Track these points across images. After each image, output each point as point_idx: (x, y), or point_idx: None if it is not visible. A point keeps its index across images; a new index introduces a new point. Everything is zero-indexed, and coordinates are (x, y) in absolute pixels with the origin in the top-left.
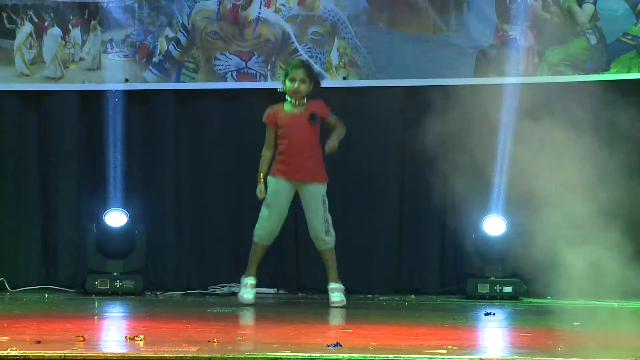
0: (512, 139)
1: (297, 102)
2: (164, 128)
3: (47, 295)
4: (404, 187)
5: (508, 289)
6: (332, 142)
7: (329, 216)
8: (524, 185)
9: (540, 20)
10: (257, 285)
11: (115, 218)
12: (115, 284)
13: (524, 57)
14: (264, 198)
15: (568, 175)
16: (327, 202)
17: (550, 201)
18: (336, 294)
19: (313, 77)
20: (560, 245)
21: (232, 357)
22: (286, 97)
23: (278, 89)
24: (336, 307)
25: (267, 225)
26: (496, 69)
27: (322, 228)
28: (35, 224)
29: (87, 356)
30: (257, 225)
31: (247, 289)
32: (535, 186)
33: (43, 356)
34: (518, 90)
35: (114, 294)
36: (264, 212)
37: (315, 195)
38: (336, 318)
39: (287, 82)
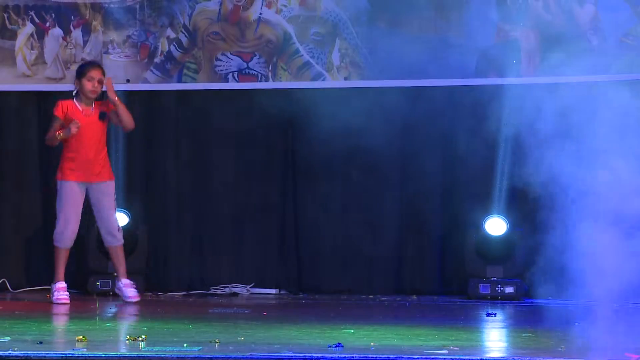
0: (514, 140)
1: (90, 101)
2: (166, 128)
3: (48, 295)
4: (405, 187)
5: (509, 290)
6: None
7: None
8: (526, 185)
9: (541, 21)
10: (259, 285)
11: (117, 219)
12: None
13: (525, 58)
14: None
15: (569, 176)
16: (116, 199)
17: (551, 202)
18: (131, 289)
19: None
20: (561, 245)
21: (234, 358)
22: (76, 95)
23: (73, 92)
24: (132, 301)
25: (66, 229)
26: (497, 69)
27: (115, 224)
28: (36, 224)
29: (89, 357)
30: (56, 230)
31: (60, 292)
32: (537, 187)
33: (44, 357)
34: (519, 90)
35: (115, 295)
36: (60, 217)
37: (108, 193)
38: (338, 318)
39: (85, 82)
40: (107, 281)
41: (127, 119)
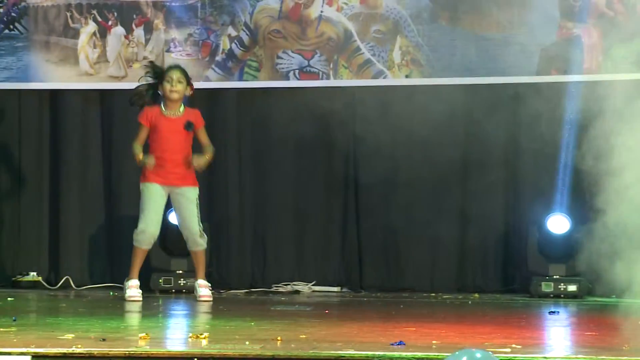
0: (576, 137)
1: (175, 104)
2: (227, 127)
3: (111, 293)
4: (467, 185)
5: (572, 288)
6: (203, 161)
7: (200, 219)
8: (589, 183)
9: (604, 17)
10: (321, 283)
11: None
12: (179, 282)
13: (588, 55)
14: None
15: (633, 174)
16: (199, 205)
17: (615, 199)
18: (204, 289)
19: (189, 80)
20: (625, 243)
21: (296, 356)
22: (162, 101)
23: (158, 87)
24: (203, 300)
25: (144, 230)
26: (559, 67)
27: (196, 230)
28: (99, 222)
29: (152, 354)
30: (135, 230)
31: (132, 289)
32: (600, 184)
33: (108, 354)
34: (581, 88)
35: (177, 292)
36: (141, 218)
37: (189, 199)
38: (400, 316)
39: (165, 84)
40: (169, 279)
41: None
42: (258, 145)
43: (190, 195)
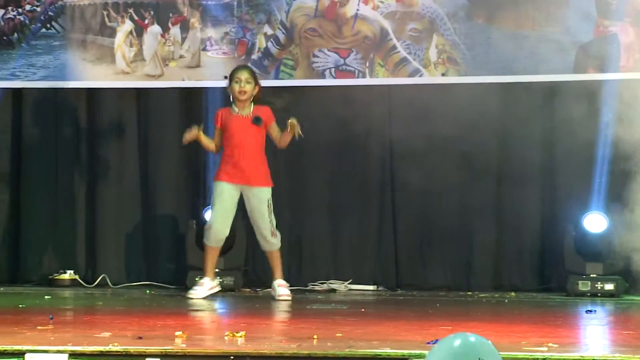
0: (613, 135)
1: (244, 104)
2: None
3: (148, 291)
4: (503, 183)
5: (609, 287)
6: (291, 126)
7: (274, 218)
8: (626, 181)
9: None
10: (357, 281)
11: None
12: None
13: (624, 53)
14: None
15: None
16: (272, 205)
17: None
18: (283, 288)
19: (257, 79)
20: None
21: (332, 354)
22: (232, 101)
23: (226, 87)
24: (282, 299)
25: (210, 226)
26: (596, 65)
27: (268, 230)
28: (135, 221)
29: (188, 352)
30: (205, 227)
31: (200, 287)
32: (637, 182)
33: (144, 352)
34: (618, 86)
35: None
36: (210, 215)
37: (261, 199)
38: (436, 314)
39: (233, 84)
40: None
41: (285, 143)
42: (294, 143)
43: (261, 196)
